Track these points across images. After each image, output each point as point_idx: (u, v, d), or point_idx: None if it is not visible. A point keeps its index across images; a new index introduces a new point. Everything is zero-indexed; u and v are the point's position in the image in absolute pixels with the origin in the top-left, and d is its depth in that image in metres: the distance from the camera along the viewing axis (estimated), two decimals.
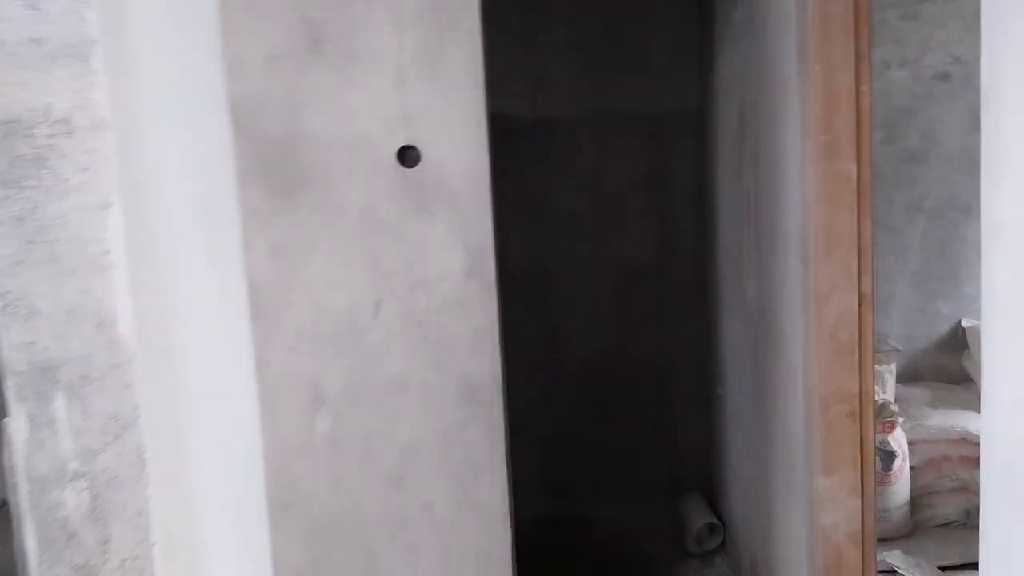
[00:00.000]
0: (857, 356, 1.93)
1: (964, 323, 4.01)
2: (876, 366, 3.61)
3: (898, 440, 3.36)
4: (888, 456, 3.32)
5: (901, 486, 3.37)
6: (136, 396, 1.14)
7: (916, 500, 3.51)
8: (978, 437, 3.61)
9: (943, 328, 4.06)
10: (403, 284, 2.48)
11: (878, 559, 3.27)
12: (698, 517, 3.58)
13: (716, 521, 3.54)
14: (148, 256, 1.16)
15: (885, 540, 3.39)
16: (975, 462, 3.62)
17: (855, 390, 1.94)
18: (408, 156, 2.42)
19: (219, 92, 1.43)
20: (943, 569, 3.25)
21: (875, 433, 3.34)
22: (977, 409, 3.68)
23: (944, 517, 3.57)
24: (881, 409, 3.43)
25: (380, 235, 2.46)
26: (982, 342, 1.04)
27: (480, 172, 2.42)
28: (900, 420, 3.39)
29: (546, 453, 3.77)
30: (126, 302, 1.12)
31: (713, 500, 3.70)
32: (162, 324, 1.19)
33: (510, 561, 2.58)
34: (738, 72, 2.82)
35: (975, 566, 3.37)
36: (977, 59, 3.72)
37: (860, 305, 1.91)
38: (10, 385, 1.15)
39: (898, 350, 3.90)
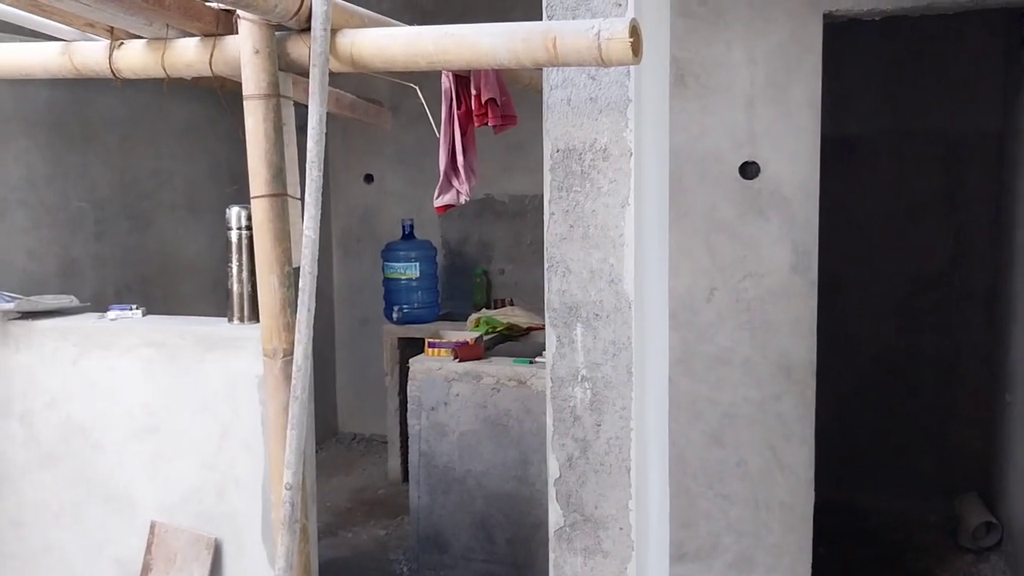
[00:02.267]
0: None
1: None
2: None
3: None
4: None
5: None
6: (630, 330, 1.74)
7: None
8: None
9: None
10: (735, 274, 3.00)
11: None
12: (975, 515, 3.82)
13: (994, 520, 3.76)
14: (641, 239, 1.76)
15: None
16: None
17: None
18: (749, 169, 2.94)
19: (664, 130, 2.01)
20: None
21: None
22: None
23: None
24: None
25: (718, 233, 3.00)
26: None
27: (811, 184, 2.90)
28: None
29: (826, 442, 4.14)
30: (631, 268, 1.72)
31: (990, 501, 3.92)
32: (642, 283, 1.78)
33: (810, 517, 3.03)
34: None
35: None
36: None
37: None
38: (548, 316, 1.79)
39: None
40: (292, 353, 1.46)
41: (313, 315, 1.39)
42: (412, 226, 4.48)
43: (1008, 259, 3.73)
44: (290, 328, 1.49)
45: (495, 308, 4.46)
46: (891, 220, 4.12)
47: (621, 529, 1.79)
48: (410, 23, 1.71)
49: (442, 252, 4.84)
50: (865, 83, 4.10)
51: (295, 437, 1.35)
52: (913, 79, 4.07)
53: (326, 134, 1.46)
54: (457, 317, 4.44)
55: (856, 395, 4.22)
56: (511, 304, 4.41)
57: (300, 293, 1.39)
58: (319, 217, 1.41)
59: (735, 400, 3.05)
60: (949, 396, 4.14)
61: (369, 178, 5.06)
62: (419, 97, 2.21)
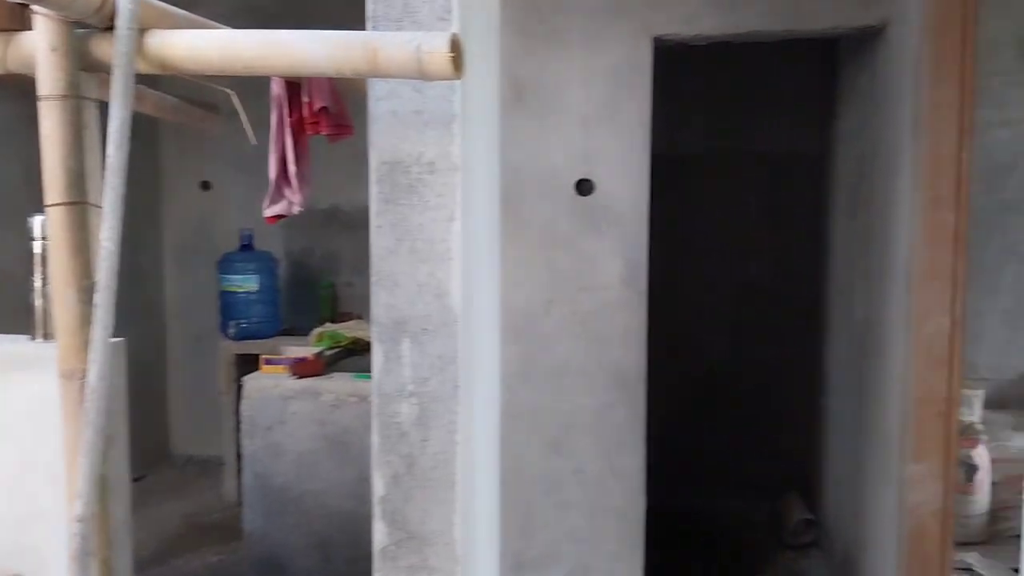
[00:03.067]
0: (947, 367, 2.42)
1: None
2: (965, 391, 4.01)
3: (981, 456, 3.75)
4: (971, 468, 3.72)
5: (981, 497, 3.76)
6: (457, 343, 1.73)
7: (995, 512, 3.88)
8: None
9: None
10: (572, 287, 3.06)
11: (957, 559, 3.69)
12: (795, 513, 4.05)
13: (812, 517, 4.00)
14: (469, 253, 1.76)
15: (965, 544, 3.78)
16: None
17: (944, 395, 2.43)
18: (584, 186, 3.01)
19: (495, 146, 2.03)
20: (1016, 571, 3.63)
21: (961, 445, 3.76)
22: None
23: (1020, 529, 3.95)
24: (967, 428, 3.84)
25: (556, 247, 3.05)
26: None
27: (641, 201, 3.00)
28: (984, 439, 3.79)
29: (663, 449, 4.28)
30: (458, 282, 1.71)
31: (810, 498, 4.16)
32: (470, 296, 1.78)
33: (643, 522, 3.12)
34: (857, 128, 3.32)
35: None
36: None
37: (952, 326, 2.40)
38: (375, 331, 1.76)
39: (986, 379, 4.28)
40: None
41: (111, 333, 1.31)
42: (252, 236, 4.34)
43: (824, 273, 3.98)
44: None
45: (342, 322, 4.37)
46: (723, 234, 4.33)
47: (447, 544, 1.77)
48: (249, 27, 1.65)
49: (285, 264, 4.71)
50: (698, 104, 4.30)
51: (88, 464, 1.25)
52: (741, 102, 4.29)
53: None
54: (301, 332, 4.31)
55: (690, 403, 4.39)
56: (359, 318, 4.33)
57: (96, 309, 1.31)
58: (119, 228, 1.32)
59: (573, 409, 3.11)
60: (775, 400, 4.37)
61: (206, 185, 4.86)
62: (241, 101, 2.13)
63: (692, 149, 4.32)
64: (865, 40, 3.04)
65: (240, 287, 4.22)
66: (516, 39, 2.93)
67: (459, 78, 1.49)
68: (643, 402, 3.08)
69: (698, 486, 4.39)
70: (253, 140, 2.21)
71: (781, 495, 4.25)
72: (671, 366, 4.31)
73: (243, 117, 2.14)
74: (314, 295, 4.64)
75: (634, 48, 2.90)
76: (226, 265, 4.28)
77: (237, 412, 4.15)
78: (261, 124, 2.46)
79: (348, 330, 3.88)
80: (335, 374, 3.34)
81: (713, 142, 4.30)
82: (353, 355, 3.72)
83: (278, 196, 2.47)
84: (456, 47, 1.46)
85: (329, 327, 3.94)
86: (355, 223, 4.68)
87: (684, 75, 4.24)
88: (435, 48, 1.44)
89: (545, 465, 3.14)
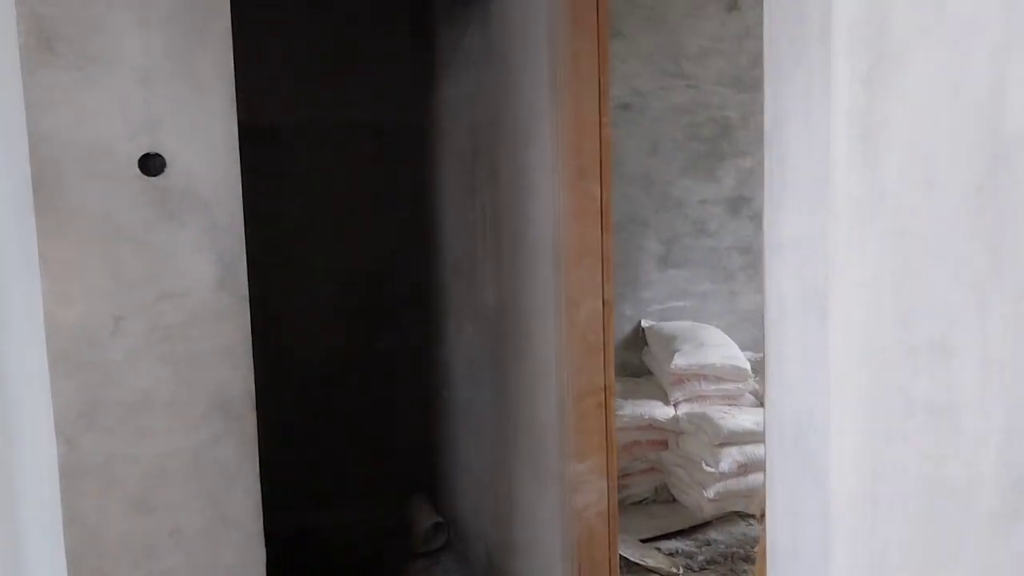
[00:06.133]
0: (603, 354, 2.19)
1: (644, 323, 4.56)
2: None
3: None
4: None
5: None
6: None
7: (617, 482, 3.94)
8: (662, 423, 4.10)
9: (627, 328, 4.58)
10: (147, 296, 2.35)
11: None
12: (423, 517, 3.72)
13: (441, 520, 3.70)
14: None
15: None
16: (661, 445, 4.14)
17: (602, 384, 2.20)
18: (151, 163, 2.30)
19: (16, 112, 1.29)
20: (643, 541, 3.69)
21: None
22: (658, 399, 4.21)
23: (638, 495, 4.05)
24: None
25: (121, 245, 2.31)
26: (766, 335, 1.28)
27: (231, 181, 2.38)
28: None
29: (280, 472, 3.70)
30: None
31: (437, 499, 3.87)
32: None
33: (262, 566, 2.53)
34: (469, 94, 3.01)
35: (668, 536, 3.85)
36: (654, 91, 4.26)
37: (604, 308, 2.17)
38: None
39: None
40: None
41: None
42: None
43: (437, 254, 3.68)
44: None
45: None
46: (328, 215, 3.84)
47: None
48: None
49: None
50: (287, 70, 3.73)
51: None
52: (331, 68, 3.81)
53: None
54: None
55: (303, 414, 3.86)
56: None
57: None
58: None
59: (162, 453, 2.40)
60: (392, 397, 4.02)
61: None
62: None
63: (284, 119, 3.75)
64: None
65: None
66: None
67: None
68: (254, 429, 2.49)
69: (326, 502, 3.90)
70: None
71: (409, 498, 3.91)
72: (279, 376, 3.74)
73: None
74: None
75: None
76: None
77: None
78: None
79: None
80: None
81: (309, 111, 3.76)
82: None
83: None
84: None
85: None
86: None
87: (274, 32, 3.65)
88: None
89: (130, 529, 2.40)
